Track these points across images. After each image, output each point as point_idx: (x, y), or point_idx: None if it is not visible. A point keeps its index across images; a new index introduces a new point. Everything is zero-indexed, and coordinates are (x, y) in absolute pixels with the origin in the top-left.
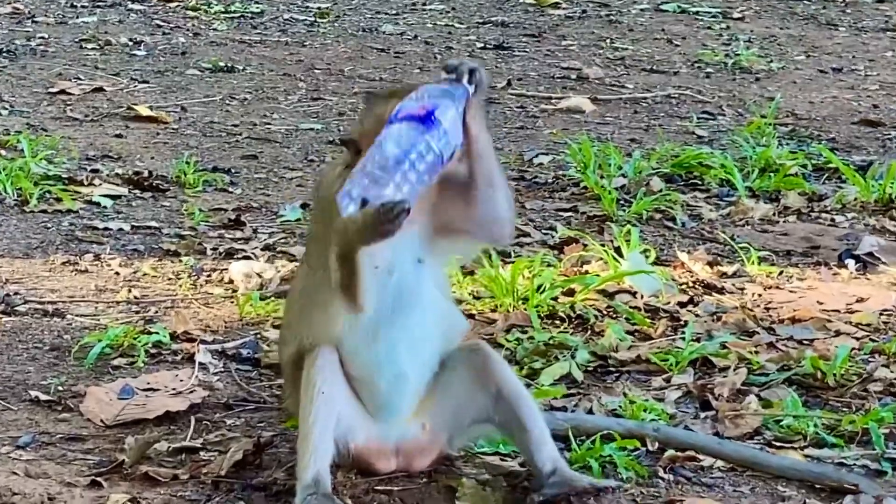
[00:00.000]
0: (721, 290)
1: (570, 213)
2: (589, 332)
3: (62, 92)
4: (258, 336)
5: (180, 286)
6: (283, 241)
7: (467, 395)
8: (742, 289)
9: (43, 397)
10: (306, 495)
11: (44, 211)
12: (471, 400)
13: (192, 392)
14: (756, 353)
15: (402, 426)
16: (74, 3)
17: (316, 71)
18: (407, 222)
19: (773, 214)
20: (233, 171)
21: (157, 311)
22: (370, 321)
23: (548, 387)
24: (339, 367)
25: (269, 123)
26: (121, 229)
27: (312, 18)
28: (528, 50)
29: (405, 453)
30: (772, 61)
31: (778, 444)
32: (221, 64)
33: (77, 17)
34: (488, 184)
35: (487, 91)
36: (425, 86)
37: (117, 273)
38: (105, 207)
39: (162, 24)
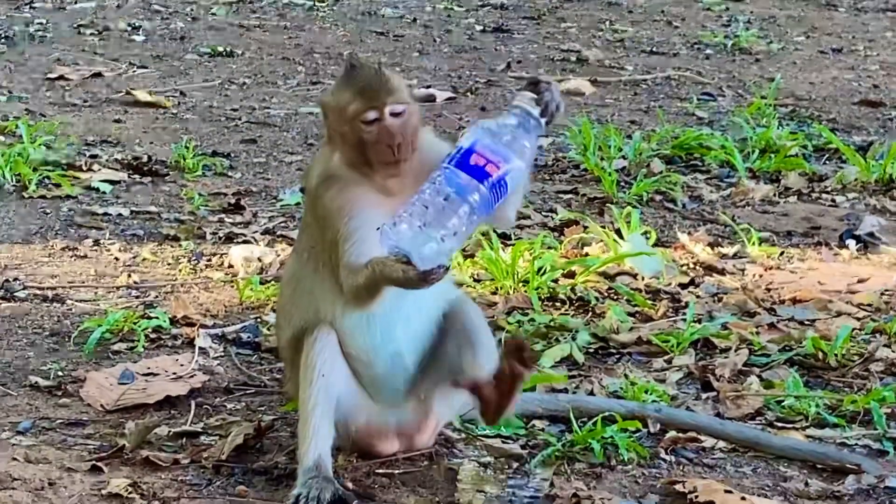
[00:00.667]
0: (722, 272)
1: (570, 196)
2: (590, 314)
3: (61, 77)
4: (258, 320)
5: (180, 271)
6: (282, 224)
7: (449, 351)
8: (743, 270)
9: (43, 383)
10: (307, 479)
11: (43, 196)
12: (451, 353)
13: (192, 376)
14: (757, 333)
15: (400, 405)
16: None
17: (315, 55)
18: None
19: (774, 195)
20: (232, 155)
21: (156, 296)
22: None
23: (548, 369)
24: (339, 348)
25: (268, 108)
26: (120, 214)
27: (311, 2)
28: (527, 32)
29: (406, 433)
30: (771, 42)
31: (779, 424)
32: (220, 48)
33: (75, 3)
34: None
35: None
36: (497, 122)
37: (117, 258)
38: (104, 193)
39: (160, 8)
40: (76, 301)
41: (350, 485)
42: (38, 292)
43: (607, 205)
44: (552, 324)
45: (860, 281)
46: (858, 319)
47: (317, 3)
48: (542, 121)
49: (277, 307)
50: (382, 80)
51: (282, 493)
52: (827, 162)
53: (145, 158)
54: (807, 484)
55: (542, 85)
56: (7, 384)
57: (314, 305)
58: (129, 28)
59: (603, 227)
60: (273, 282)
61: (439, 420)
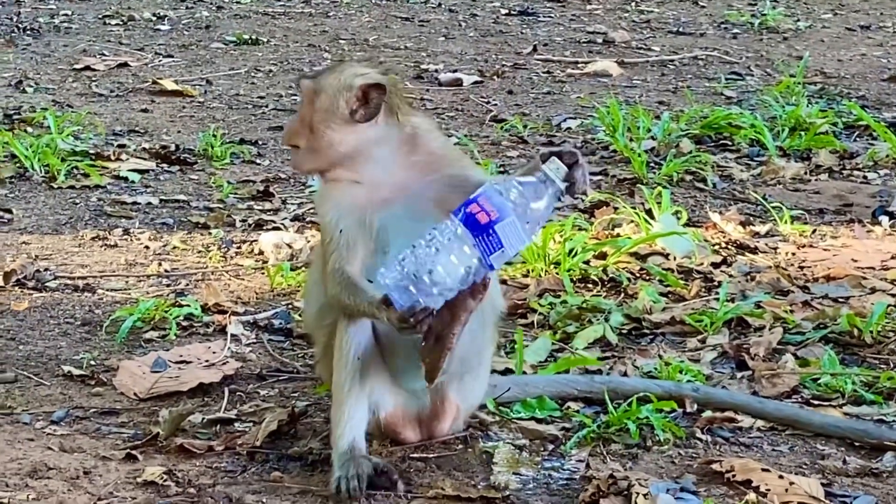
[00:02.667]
0: (754, 250)
1: (600, 177)
2: (622, 294)
3: (87, 68)
4: (290, 306)
5: (210, 258)
6: (311, 211)
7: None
8: (775, 248)
9: (76, 372)
10: (344, 461)
11: (72, 187)
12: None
13: (224, 363)
14: (791, 311)
15: (422, 393)
16: None
17: (340, 41)
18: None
19: (805, 173)
20: (260, 142)
21: (187, 284)
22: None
23: (582, 350)
24: (372, 332)
25: (294, 95)
26: (149, 203)
27: None
28: (553, 15)
29: (426, 421)
30: (798, 20)
31: (816, 402)
32: (246, 36)
33: None
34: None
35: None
36: (513, 180)
37: (147, 247)
38: (133, 182)
39: None
40: (107, 290)
41: (383, 462)
42: (69, 282)
43: (637, 185)
44: (585, 305)
45: (893, 257)
46: (893, 296)
47: None
48: (563, 190)
49: (305, 290)
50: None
51: (317, 479)
52: (857, 139)
53: (173, 147)
54: (845, 462)
55: (572, 157)
56: (40, 374)
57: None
58: (154, 17)
59: (633, 207)
60: (304, 268)
61: (459, 408)
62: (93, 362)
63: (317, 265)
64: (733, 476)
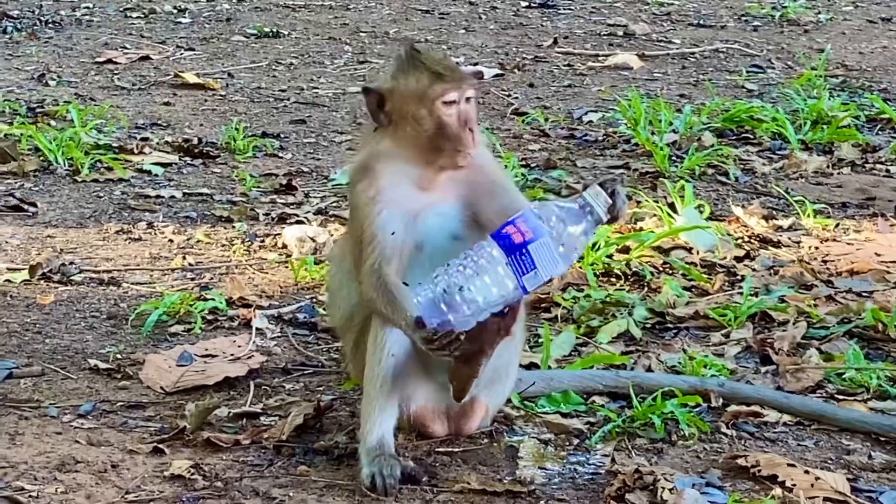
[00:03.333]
0: (777, 244)
1: (622, 170)
2: (645, 288)
3: (109, 61)
4: (314, 300)
5: (234, 252)
6: (334, 204)
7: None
8: (798, 242)
9: (102, 365)
10: (374, 457)
11: (95, 180)
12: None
13: (250, 357)
14: (815, 306)
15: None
16: None
17: (361, 34)
18: (445, 199)
19: (827, 167)
20: (282, 136)
21: (211, 278)
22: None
23: (606, 345)
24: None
25: (316, 88)
26: (173, 197)
27: None
28: (573, 7)
29: (455, 417)
30: (819, 12)
31: (841, 397)
32: (266, 29)
33: None
34: None
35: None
36: (553, 204)
37: (171, 240)
38: (156, 175)
39: None
40: (132, 284)
41: (412, 464)
42: (94, 276)
43: (660, 179)
44: (608, 299)
45: None
46: None
47: None
48: (605, 218)
49: (330, 286)
50: (454, 63)
51: (343, 473)
52: (880, 132)
53: (196, 140)
54: (870, 457)
55: (613, 185)
56: (67, 367)
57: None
58: (175, 10)
59: (656, 201)
60: (328, 261)
61: (487, 408)
62: (119, 356)
63: (344, 261)
64: (759, 471)
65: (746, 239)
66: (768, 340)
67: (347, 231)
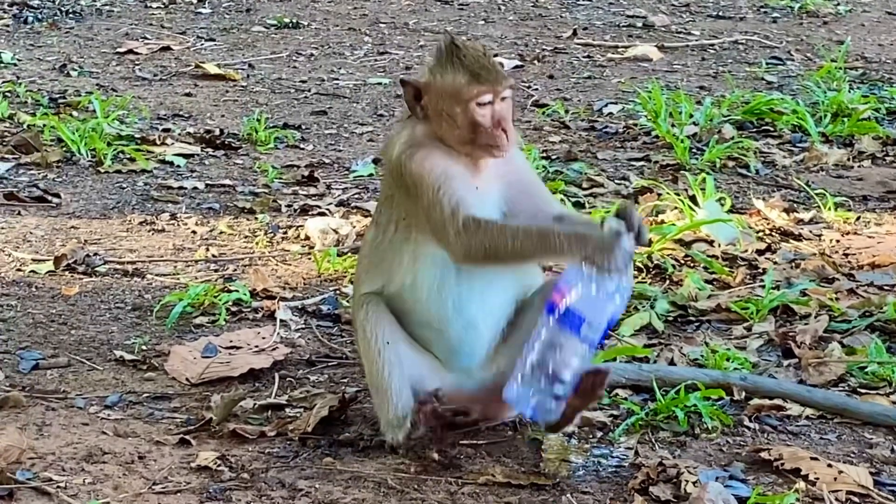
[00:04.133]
0: (798, 237)
1: (642, 163)
2: (667, 281)
3: (130, 52)
4: (337, 292)
5: (257, 244)
6: (356, 196)
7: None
8: (819, 235)
9: (128, 357)
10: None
11: (118, 171)
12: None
13: (274, 349)
14: (837, 299)
15: (477, 374)
16: None
17: (381, 25)
18: (488, 187)
19: (848, 159)
20: (303, 127)
21: (235, 269)
22: (437, 274)
23: (628, 338)
24: (392, 317)
25: (336, 79)
26: (195, 188)
27: None
28: None
29: (484, 402)
30: (839, 4)
31: (863, 390)
32: (287, 20)
33: None
34: None
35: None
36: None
37: (194, 232)
38: (178, 166)
39: None
40: (156, 275)
41: (436, 456)
42: (118, 267)
43: (681, 172)
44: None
45: None
46: None
47: None
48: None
49: (354, 281)
50: (492, 61)
51: (369, 464)
52: None
53: (217, 132)
54: (893, 451)
55: (626, 213)
56: (92, 358)
57: (386, 275)
58: (195, 1)
59: (677, 194)
60: (350, 253)
61: None
62: (144, 347)
63: (371, 252)
64: (782, 464)
65: (767, 232)
66: (790, 334)
67: (403, 214)
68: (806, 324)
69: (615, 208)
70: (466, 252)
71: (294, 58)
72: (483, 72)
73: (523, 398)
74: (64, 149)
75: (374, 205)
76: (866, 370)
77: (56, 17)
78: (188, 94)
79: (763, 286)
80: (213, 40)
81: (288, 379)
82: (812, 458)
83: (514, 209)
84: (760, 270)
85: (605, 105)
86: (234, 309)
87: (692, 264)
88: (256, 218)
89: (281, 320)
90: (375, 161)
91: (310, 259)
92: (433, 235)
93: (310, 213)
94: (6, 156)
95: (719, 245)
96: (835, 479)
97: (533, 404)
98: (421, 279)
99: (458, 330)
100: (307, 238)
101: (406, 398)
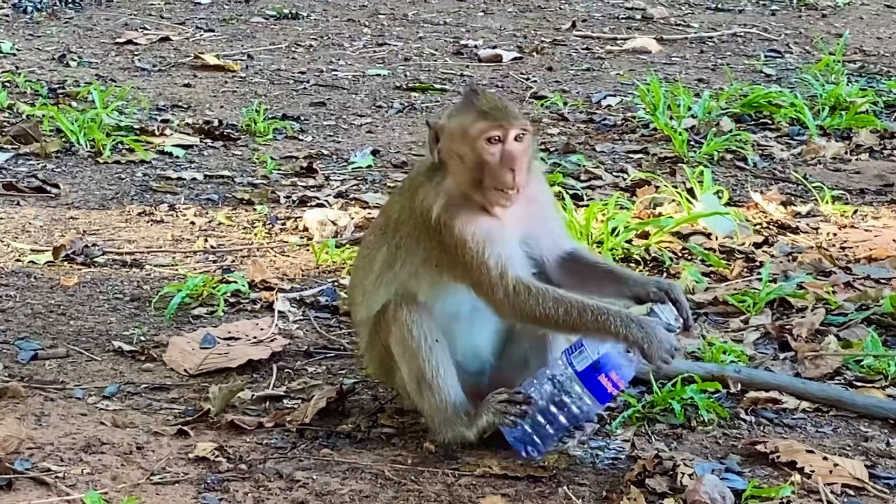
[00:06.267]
0: (796, 230)
1: (640, 155)
2: (665, 274)
3: (129, 42)
4: (335, 283)
5: (255, 235)
6: (355, 187)
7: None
8: (817, 228)
9: (126, 347)
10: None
11: (117, 162)
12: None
13: (272, 340)
14: (833, 292)
15: (487, 369)
16: None
17: (380, 16)
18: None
19: (845, 153)
20: (302, 118)
21: (233, 260)
22: (454, 305)
23: None
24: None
25: (335, 70)
26: (194, 179)
27: None
28: None
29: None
30: None
31: (859, 384)
32: (286, 11)
33: None
34: None
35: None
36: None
37: (192, 223)
38: (177, 157)
39: None
40: (155, 266)
41: (433, 447)
42: (117, 257)
43: (678, 164)
44: None
45: None
46: None
47: None
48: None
49: (355, 284)
50: (506, 105)
51: (366, 456)
52: None
53: (216, 122)
54: (888, 443)
55: (675, 296)
56: (91, 349)
57: (408, 289)
58: None
59: (675, 186)
60: (349, 245)
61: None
62: (142, 338)
63: (389, 267)
64: (777, 457)
65: (765, 225)
66: (787, 327)
67: (425, 255)
68: (802, 317)
69: (661, 288)
70: (515, 312)
71: (293, 49)
72: (493, 111)
73: (516, 429)
74: (63, 139)
75: (372, 196)
76: (862, 363)
77: (55, 7)
78: (187, 85)
79: (760, 279)
80: (213, 31)
81: (286, 370)
82: (808, 451)
83: (532, 247)
84: (757, 263)
85: (604, 97)
86: (232, 300)
87: (689, 257)
88: (255, 209)
89: (279, 311)
90: (374, 153)
91: (308, 250)
92: (475, 290)
93: (308, 204)
94: (5, 146)
95: (717, 238)
96: (830, 471)
97: (519, 435)
98: (434, 304)
99: (464, 348)
100: (306, 229)
101: (462, 395)
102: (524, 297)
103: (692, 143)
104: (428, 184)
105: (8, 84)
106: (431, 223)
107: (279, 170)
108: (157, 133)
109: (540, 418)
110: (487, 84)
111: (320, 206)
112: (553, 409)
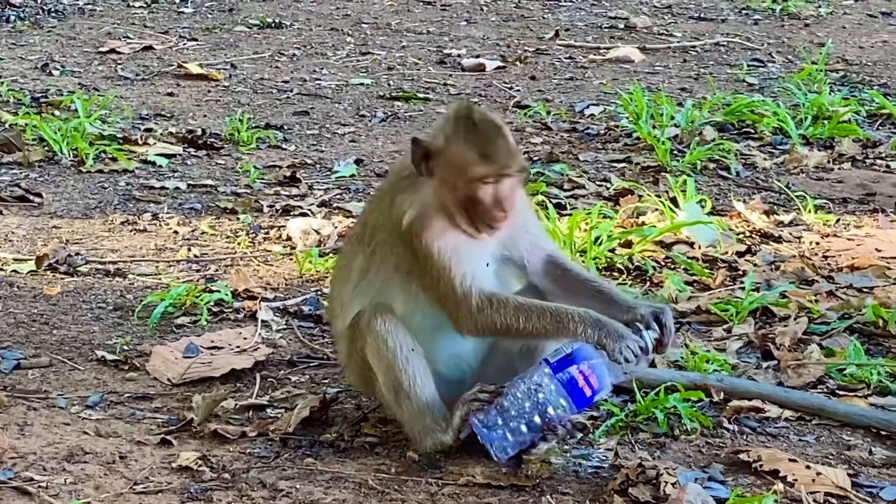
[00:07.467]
0: (778, 239)
1: (623, 164)
2: (648, 283)
3: (112, 51)
4: (319, 292)
5: (239, 244)
6: (338, 196)
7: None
8: (799, 237)
9: (109, 357)
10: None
11: (100, 171)
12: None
13: (255, 350)
14: (816, 301)
15: (468, 378)
16: None
17: (363, 25)
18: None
19: (828, 162)
20: (285, 127)
21: (217, 270)
22: (429, 317)
23: None
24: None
25: (318, 79)
26: (177, 188)
27: None
28: (574, 0)
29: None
30: (820, 6)
31: (841, 392)
32: (269, 20)
33: None
34: None
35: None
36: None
37: (176, 232)
38: (160, 166)
39: None
40: (138, 275)
41: (416, 456)
42: (100, 267)
43: (661, 173)
44: None
45: None
46: None
47: None
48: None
49: (340, 294)
50: (507, 145)
51: (350, 465)
52: (881, 127)
53: (199, 132)
54: (871, 452)
55: (663, 319)
56: (74, 358)
57: (384, 300)
58: (178, 0)
59: (658, 195)
60: (332, 254)
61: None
62: (126, 347)
63: (365, 275)
64: (760, 466)
65: (748, 234)
66: (770, 336)
67: (397, 261)
68: (785, 326)
69: (654, 313)
70: (475, 329)
71: (276, 58)
72: (493, 153)
73: (489, 424)
74: (46, 148)
75: (356, 205)
76: (845, 372)
77: (38, 16)
78: (170, 94)
79: (743, 288)
80: (196, 40)
81: (269, 379)
82: (790, 460)
83: (511, 250)
84: (740, 272)
85: (587, 106)
86: (215, 309)
87: (672, 266)
88: (238, 218)
89: (262, 321)
90: (358, 161)
91: (291, 259)
92: (440, 305)
93: (291, 213)
94: None
95: (700, 247)
96: (813, 480)
97: (494, 435)
98: (412, 318)
99: (446, 357)
100: (289, 238)
101: (439, 402)
102: (487, 312)
103: (675, 152)
104: (406, 191)
105: None
106: (405, 230)
107: (262, 179)
108: (140, 142)
109: (514, 413)
110: (470, 94)
111: (303, 215)
112: (527, 405)
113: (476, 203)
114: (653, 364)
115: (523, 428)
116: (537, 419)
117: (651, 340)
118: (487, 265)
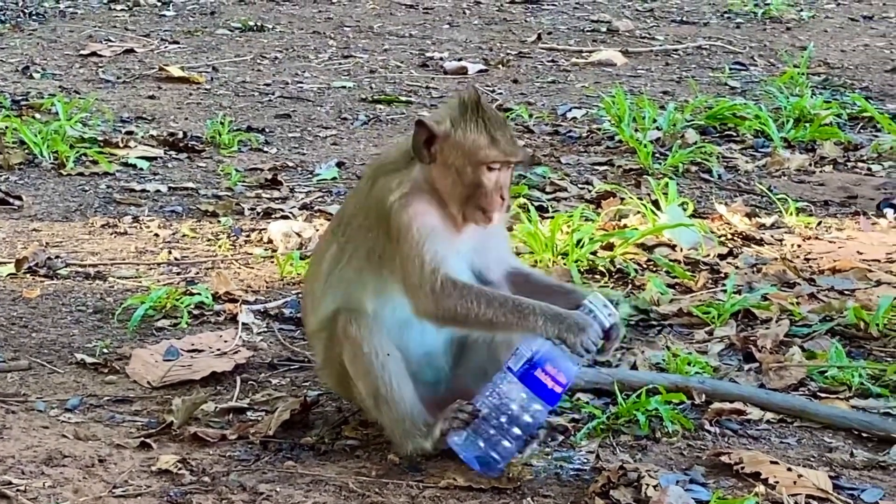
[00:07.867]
0: (760, 242)
1: (605, 167)
2: (629, 286)
3: (93, 54)
4: (300, 295)
5: (220, 247)
6: (319, 199)
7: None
8: (781, 240)
9: (89, 360)
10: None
11: (81, 174)
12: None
13: (236, 352)
14: (798, 304)
15: (443, 378)
16: None
17: (345, 28)
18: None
19: (810, 165)
20: (267, 130)
21: (197, 272)
22: (401, 309)
23: None
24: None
25: (300, 82)
26: (158, 191)
27: None
28: (557, 3)
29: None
30: (802, 10)
31: (823, 395)
32: (251, 23)
33: None
34: None
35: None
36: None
37: (157, 235)
38: (141, 169)
39: None
40: (118, 278)
41: (397, 459)
42: (80, 270)
43: (643, 176)
44: None
45: None
46: None
47: None
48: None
49: (312, 291)
50: (512, 133)
51: (330, 468)
52: (862, 130)
53: (181, 134)
54: (852, 454)
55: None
56: (53, 361)
57: (346, 298)
58: (159, 3)
59: (640, 198)
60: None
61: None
62: (105, 350)
63: (335, 268)
64: (742, 468)
65: (730, 236)
66: (751, 338)
67: (370, 245)
68: (767, 328)
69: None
70: (435, 311)
71: (258, 61)
72: (503, 139)
73: (470, 446)
74: (26, 151)
75: (337, 208)
76: (826, 374)
77: (19, 19)
78: (152, 97)
79: (725, 290)
80: (177, 43)
81: (249, 382)
82: (772, 462)
83: (479, 257)
84: (722, 275)
85: (569, 110)
86: (196, 312)
87: (654, 268)
88: (219, 221)
89: (243, 323)
90: (339, 164)
91: (272, 262)
92: (403, 285)
93: (273, 216)
94: None
95: (681, 249)
96: (794, 482)
97: (477, 454)
98: (383, 312)
99: (419, 356)
100: (270, 241)
101: (419, 406)
102: (448, 294)
103: (657, 155)
104: (391, 174)
105: None
106: (385, 208)
107: (244, 182)
108: (121, 145)
109: (492, 432)
110: (452, 96)
111: (285, 218)
112: (503, 420)
113: (478, 188)
114: (634, 366)
115: (506, 443)
116: (517, 430)
117: (607, 318)
118: (458, 254)
